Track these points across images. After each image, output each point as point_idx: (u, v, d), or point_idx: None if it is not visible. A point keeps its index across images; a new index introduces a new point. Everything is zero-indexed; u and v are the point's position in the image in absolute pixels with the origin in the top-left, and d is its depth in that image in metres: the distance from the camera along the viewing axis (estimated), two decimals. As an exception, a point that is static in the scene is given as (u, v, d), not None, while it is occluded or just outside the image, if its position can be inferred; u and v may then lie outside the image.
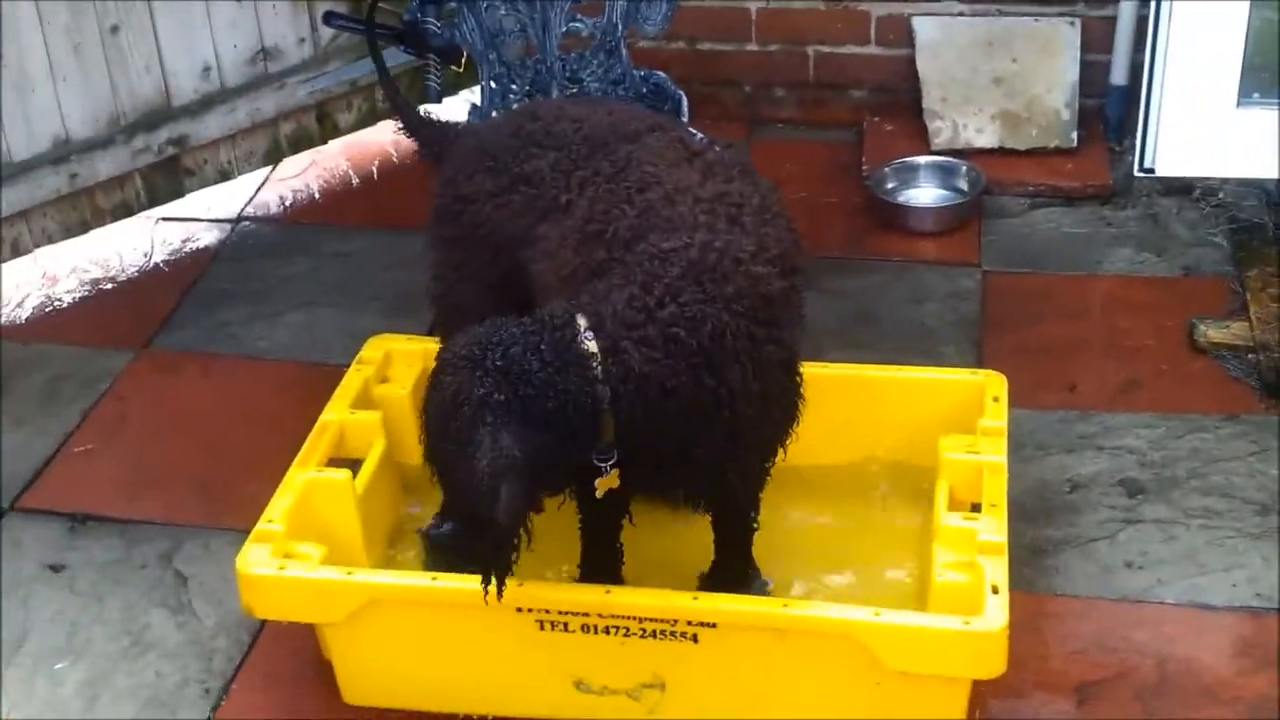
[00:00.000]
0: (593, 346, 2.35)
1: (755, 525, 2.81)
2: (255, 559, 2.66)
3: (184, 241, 4.30)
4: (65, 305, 4.05)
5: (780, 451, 2.67)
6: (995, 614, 2.46)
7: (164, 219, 4.36)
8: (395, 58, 4.26)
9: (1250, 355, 3.54)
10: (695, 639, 2.54)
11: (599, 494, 2.48)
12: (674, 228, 2.48)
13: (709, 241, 2.45)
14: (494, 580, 2.39)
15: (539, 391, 2.30)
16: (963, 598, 2.53)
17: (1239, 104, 4.02)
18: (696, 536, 2.86)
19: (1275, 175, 4.10)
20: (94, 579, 3.12)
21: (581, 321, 2.37)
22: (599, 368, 2.34)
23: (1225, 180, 4.16)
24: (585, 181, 2.64)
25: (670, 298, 2.39)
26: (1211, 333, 3.61)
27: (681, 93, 3.73)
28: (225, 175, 4.33)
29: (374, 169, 4.55)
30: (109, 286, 4.12)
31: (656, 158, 2.63)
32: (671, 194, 2.54)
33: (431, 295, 2.94)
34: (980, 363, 3.56)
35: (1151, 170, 4.16)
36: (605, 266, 2.50)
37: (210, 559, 3.14)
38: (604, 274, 2.47)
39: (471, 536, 2.40)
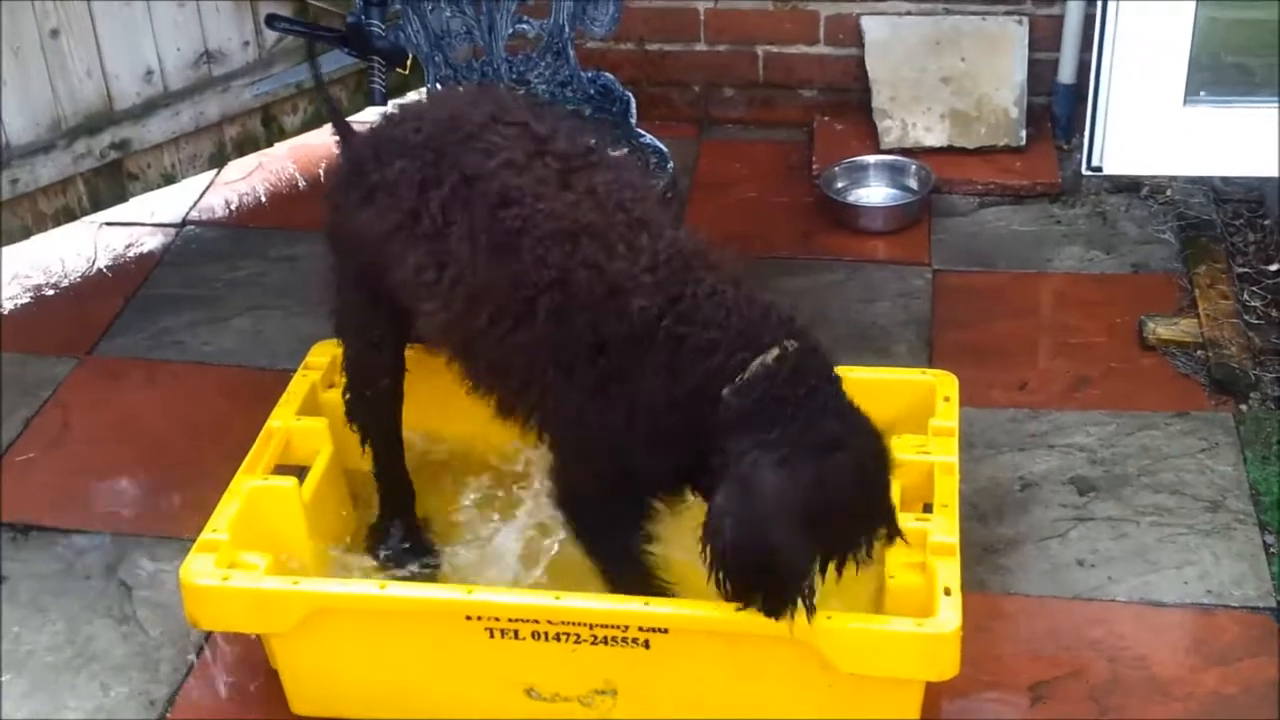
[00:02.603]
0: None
1: None
2: (199, 569, 2.62)
3: (127, 246, 4.24)
4: (7, 312, 3.98)
5: None
6: (948, 615, 2.45)
7: (107, 224, 4.30)
8: (339, 60, 4.23)
9: (1199, 352, 3.55)
10: (647, 644, 2.52)
11: None
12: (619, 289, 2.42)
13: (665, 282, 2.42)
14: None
15: None
16: (915, 599, 2.52)
17: (1186, 102, 4.02)
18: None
19: (1222, 172, 4.11)
20: (36, 590, 3.07)
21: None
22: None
23: (1173, 178, 4.18)
24: (445, 204, 2.54)
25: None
26: (1161, 330, 3.62)
27: (630, 94, 3.70)
28: (169, 179, 4.27)
29: (321, 172, 4.50)
30: (51, 293, 4.06)
31: (507, 167, 2.53)
32: (565, 230, 2.46)
33: (330, 306, 2.92)
34: (931, 361, 3.55)
35: (1099, 168, 4.15)
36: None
37: (155, 569, 3.10)
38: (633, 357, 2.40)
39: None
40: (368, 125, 2.85)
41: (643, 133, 3.62)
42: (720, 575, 2.30)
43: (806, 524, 2.25)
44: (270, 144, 4.45)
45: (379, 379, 2.90)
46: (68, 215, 4.12)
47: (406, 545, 2.99)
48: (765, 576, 2.29)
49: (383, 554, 2.97)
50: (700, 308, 2.40)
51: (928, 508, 2.73)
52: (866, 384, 3.05)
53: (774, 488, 2.23)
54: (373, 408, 2.94)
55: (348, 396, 2.96)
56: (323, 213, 2.85)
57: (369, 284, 2.76)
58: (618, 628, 2.51)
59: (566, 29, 3.66)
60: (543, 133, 2.60)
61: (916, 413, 2.95)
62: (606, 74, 3.75)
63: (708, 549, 2.29)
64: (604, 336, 2.42)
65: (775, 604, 2.32)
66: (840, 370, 3.15)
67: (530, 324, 2.47)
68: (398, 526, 3.01)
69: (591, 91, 3.72)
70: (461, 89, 2.84)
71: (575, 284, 2.43)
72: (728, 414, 2.33)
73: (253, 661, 2.83)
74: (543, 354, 2.47)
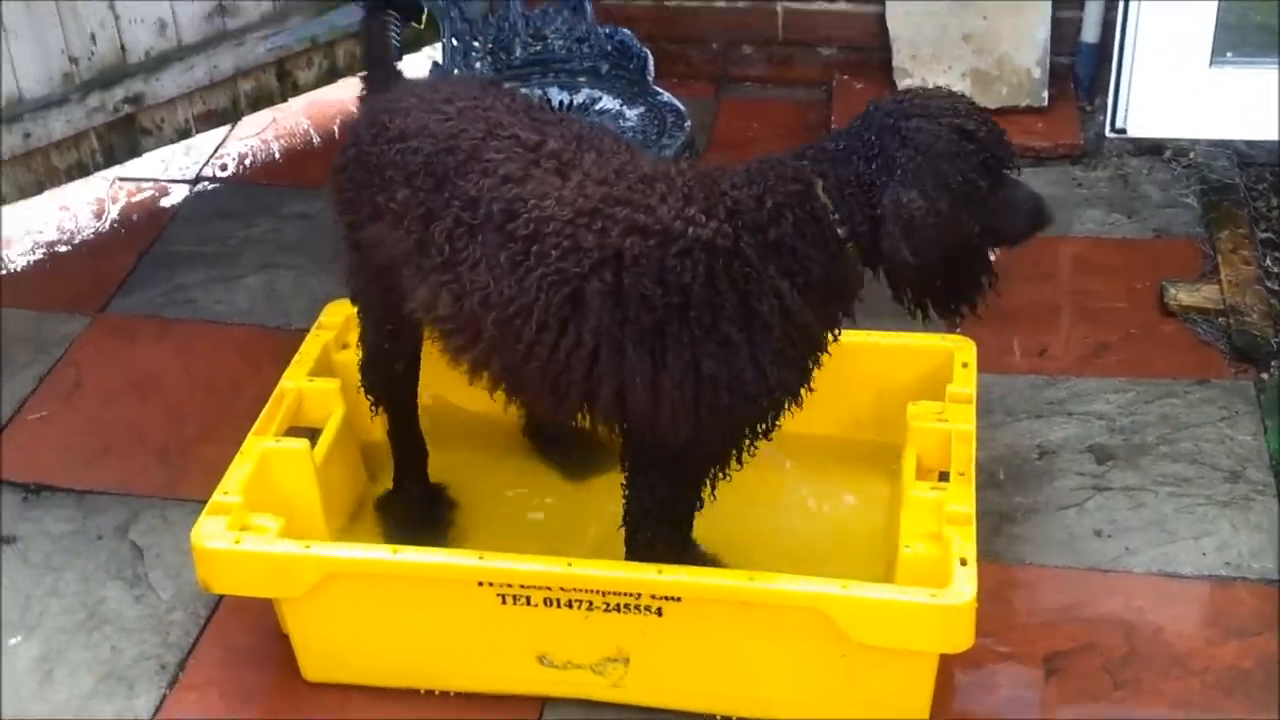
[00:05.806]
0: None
1: None
2: (210, 532, 2.60)
3: (141, 202, 4.22)
4: (19, 268, 3.97)
5: None
6: (963, 586, 2.43)
7: (120, 179, 4.28)
8: (354, 14, 4.18)
9: (1221, 319, 3.51)
10: (659, 612, 2.51)
11: None
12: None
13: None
14: None
15: None
16: (930, 569, 2.50)
17: (1212, 64, 3.97)
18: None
19: (1247, 136, 4.06)
20: (48, 551, 3.07)
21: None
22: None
23: (1197, 141, 4.13)
24: (451, 234, 2.47)
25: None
26: (1182, 296, 3.58)
27: (647, 51, 3.66)
28: (183, 134, 4.25)
29: (335, 128, 4.47)
30: (64, 249, 4.04)
31: (506, 182, 2.46)
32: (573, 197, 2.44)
33: (346, 278, 2.83)
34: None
35: (1123, 130, 4.12)
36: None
37: (167, 530, 3.09)
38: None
39: None
40: (371, 105, 2.78)
41: (660, 90, 3.58)
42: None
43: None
44: (284, 99, 4.42)
45: (394, 363, 2.85)
46: (80, 170, 4.11)
47: (420, 506, 2.98)
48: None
49: (394, 520, 2.96)
50: (763, 202, 2.41)
51: (944, 476, 2.71)
52: (884, 349, 3.08)
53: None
54: (387, 384, 2.91)
55: (362, 364, 2.93)
56: (331, 185, 2.73)
57: (385, 290, 2.69)
58: (630, 595, 2.50)
59: (584, -16, 3.62)
60: (533, 140, 2.52)
61: (934, 379, 2.93)
62: (624, 30, 3.70)
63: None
64: (683, 286, 2.37)
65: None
66: (858, 335, 3.13)
67: (582, 318, 2.40)
68: (412, 488, 3.00)
69: (608, 48, 3.67)
70: (453, 88, 2.72)
71: (623, 253, 2.38)
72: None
73: (264, 626, 2.82)
74: (609, 343, 2.40)
